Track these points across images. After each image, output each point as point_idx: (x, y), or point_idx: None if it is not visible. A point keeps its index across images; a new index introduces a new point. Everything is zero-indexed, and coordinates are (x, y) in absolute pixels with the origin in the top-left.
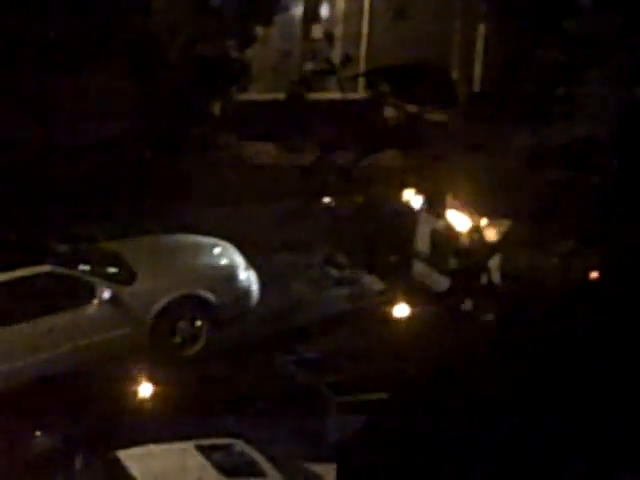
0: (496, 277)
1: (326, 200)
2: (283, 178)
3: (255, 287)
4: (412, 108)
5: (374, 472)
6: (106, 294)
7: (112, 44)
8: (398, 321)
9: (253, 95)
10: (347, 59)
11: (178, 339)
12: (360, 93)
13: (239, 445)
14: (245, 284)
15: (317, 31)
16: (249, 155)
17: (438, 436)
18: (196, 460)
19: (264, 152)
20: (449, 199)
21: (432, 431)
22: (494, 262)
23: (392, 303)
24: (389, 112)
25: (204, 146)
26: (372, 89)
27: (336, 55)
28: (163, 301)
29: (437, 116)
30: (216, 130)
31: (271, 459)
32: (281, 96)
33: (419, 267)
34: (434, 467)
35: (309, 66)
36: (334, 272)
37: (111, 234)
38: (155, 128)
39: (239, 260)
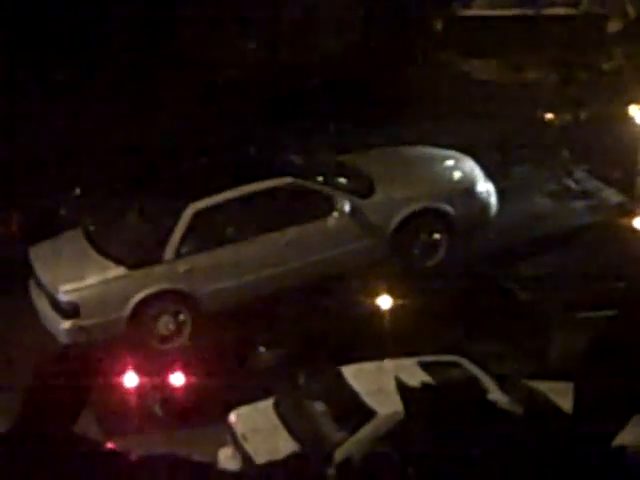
0: None
1: (548, 116)
2: (507, 94)
3: (494, 199)
4: None
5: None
6: (346, 206)
7: None
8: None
9: (475, 11)
10: None
11: (417, 251)
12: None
13: (462, 362)
14: (484, 196)
15: None
16: (471, 71)
17: None
18: (418, 376)
19: (486, 69)
20: None
21: None
22: None
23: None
24: (612, 27)
25: (426, 62)
26: None
27: None
28: (402, 213)
29: None
30: (438, 46)
31: (494, 377)
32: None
33: None
34: None
35: None
36: (573, 185)
37: (339, 147)
38: (378, 43)
39: (477, 172)
